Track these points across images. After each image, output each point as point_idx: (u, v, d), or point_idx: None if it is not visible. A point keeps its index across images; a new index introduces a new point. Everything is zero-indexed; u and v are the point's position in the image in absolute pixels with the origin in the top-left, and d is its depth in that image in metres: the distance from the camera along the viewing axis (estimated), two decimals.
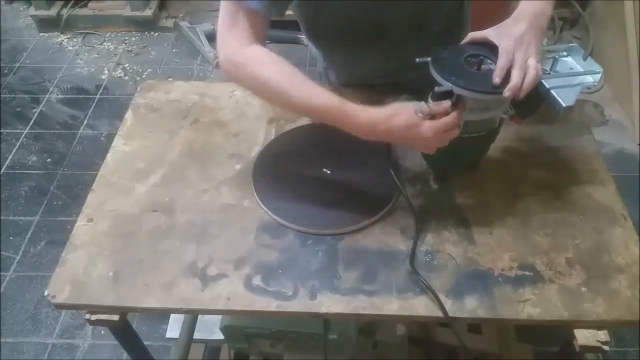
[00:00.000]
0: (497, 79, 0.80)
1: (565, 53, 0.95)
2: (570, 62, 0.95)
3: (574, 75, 0.93)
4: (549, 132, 1.12)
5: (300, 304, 0.85)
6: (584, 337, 0.82)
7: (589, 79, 0.92)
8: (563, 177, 1.03)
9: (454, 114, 0.82)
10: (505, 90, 0.79)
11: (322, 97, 0.83)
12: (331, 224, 0.95)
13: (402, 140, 0.87)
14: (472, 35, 0.87)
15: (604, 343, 0.82)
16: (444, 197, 1.00)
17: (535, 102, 0.90)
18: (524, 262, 0.89)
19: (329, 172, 1.03)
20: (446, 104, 0.82)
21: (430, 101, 0.83)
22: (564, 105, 0.86)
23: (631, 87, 2.38)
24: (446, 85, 0.81)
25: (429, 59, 0.85)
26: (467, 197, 1.00)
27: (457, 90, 0.81)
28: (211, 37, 2.95)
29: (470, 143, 0.89)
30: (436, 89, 0.83)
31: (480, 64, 0.85)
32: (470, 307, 0.84)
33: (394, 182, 0.98)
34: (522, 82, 0.79)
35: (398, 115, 0.82)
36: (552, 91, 0.87)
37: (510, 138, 1.10)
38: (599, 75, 0.91)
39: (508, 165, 1.06)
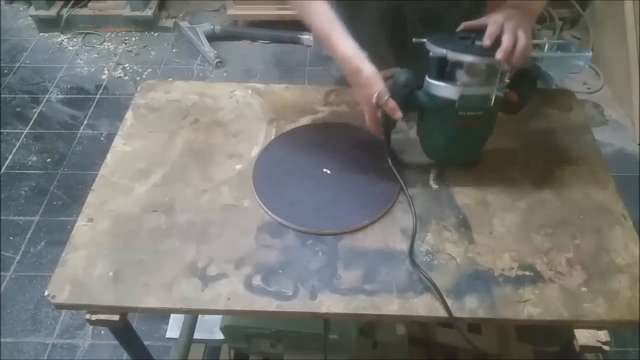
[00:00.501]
0: (487, 41, 0.82)
1: (555, 47, 0.97)
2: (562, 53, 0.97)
3: (565, 57, 0.95)
4: (549, 132, 1.12)
5: (300, 304, 0.85)
6: (584, 337, 0.82)
7: (579, 61, 0.94)
8: (563, 177, 1.03)
9: (373, 113, 0.92)
10: (498, 52, 0.81)
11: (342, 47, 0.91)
12: (331, 224, 0.95)
13: (351, 82, 0.95)
14: (465, 24, 0.91)
15: (604, 343, 0.82)
16: (444, 197, 1.00)
17: (528, 86, 0.93)
18: (524, 262, 0.89)
19: (329, 172, 1.03)
20: (398, 114, 0.90)
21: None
22: (554, 79, 0.88)
23: (631, 87, 2.38)
24: (440, 51, 0.85)
25: (424, 40, 0.88)
26: (467, 197, 1.00)
27: (451, 55, 0.84)
28: (211, 37, 2.95)
29: (466, 123, 0.91)
30: (431, 54, 0.86)
31: (473, 43, 0.88)
32: (471, 307, 0.84)
33: (394, 182, 0.98)
34: (514, 48, 0.81)
35: (367, 75, 0.89)
36: (544, 69, 0.90)
37: (510, 138, 1.10)
38: (589, 55, 0.94)
39: (508, 165, 1.06)
